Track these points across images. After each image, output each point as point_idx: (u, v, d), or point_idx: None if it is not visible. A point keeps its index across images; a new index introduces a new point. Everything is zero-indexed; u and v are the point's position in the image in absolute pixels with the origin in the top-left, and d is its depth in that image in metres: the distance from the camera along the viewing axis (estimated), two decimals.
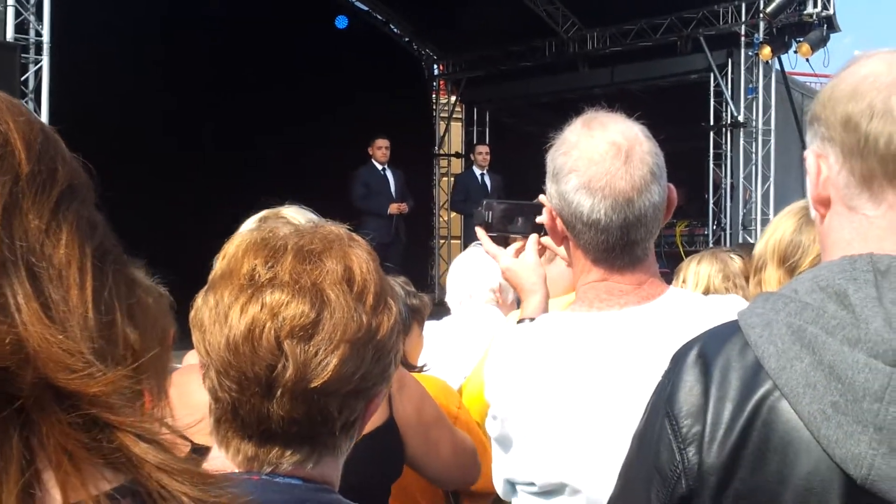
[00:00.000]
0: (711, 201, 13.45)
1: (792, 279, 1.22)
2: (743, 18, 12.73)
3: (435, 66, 17.15)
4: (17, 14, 8.47)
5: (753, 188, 12.94)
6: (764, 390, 1.13)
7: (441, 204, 17.04)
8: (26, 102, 8.34)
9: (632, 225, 1.72)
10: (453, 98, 17.28)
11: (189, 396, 1.88)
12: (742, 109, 12.93)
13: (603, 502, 1.41)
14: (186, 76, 12.29)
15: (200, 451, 1.28)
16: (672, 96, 13.81)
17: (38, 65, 8.59)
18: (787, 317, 1.13)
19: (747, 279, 2.91)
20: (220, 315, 1.24)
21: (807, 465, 1.10)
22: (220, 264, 1.32)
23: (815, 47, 12.10)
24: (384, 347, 1.28)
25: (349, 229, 1.36)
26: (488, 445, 1.96)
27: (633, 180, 1.70)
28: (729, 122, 13.10)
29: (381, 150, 12.11)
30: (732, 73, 13.02)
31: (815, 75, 13.16)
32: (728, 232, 13.10)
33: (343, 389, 1.24)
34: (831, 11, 12.10)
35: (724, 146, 13.24)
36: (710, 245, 12.54)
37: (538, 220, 2.00)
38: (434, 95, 17.38)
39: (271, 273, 1.24)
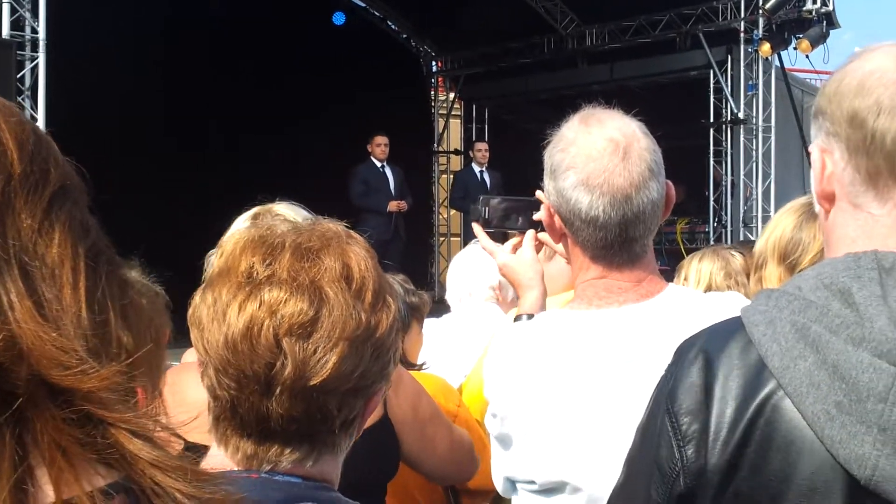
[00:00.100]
0: (712, 198, 13.45)
1: (795, 276, 1.20)
2: (742, 15, 12.71)
3: (433, 63, 17.16)
4: (13, 11, 8.46)
5: (754, 185, 12.93)
6: (767, 389, 1.12)
7: (440, 201, 17.05)
8: (22, 100, 8.34)
9: (630, 222, 1.71)
10: (452, 95, 17.28)
11: (183, 394, 1.88)
12: (742, 106, 12.92)
13: (603, 500, 1.41)
14: (184, 74, 12.28)
15: (194, 450, 1.27)
16: (672, 93, 13.80)
17: (34, 62, 8.58)
18: (791, 314, 1.12)
19: (748, 277, 2.91)
20: (218, 313, 1.24)
21: (810, 465, 1.09)
22: (217, 261, 1.32)
23: (814, 44, 12.09)
24: (383, 345, 1.28)
25: (347, 226, 1.36)
26: (488, 443, 1.96)
27: (631, 177, 1.70)
28: (729, 118, 13.09)
29: (379, 147, 12.11)
30: (732, 69, 13.01)
31: (815, 72, 13.18)
32: (729, 229, 13.10)
33: (342, 387, 1.24)
34: (830, 7, 12.10)
35: (724, 143, 13.23)
36: (711, 242, 12.54)
37: (535, 216, 1.99)
38: (433, 92, 17.40)
39: (269, 270, 1.24)
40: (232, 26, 12.90)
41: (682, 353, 1.24)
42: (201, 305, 1.27)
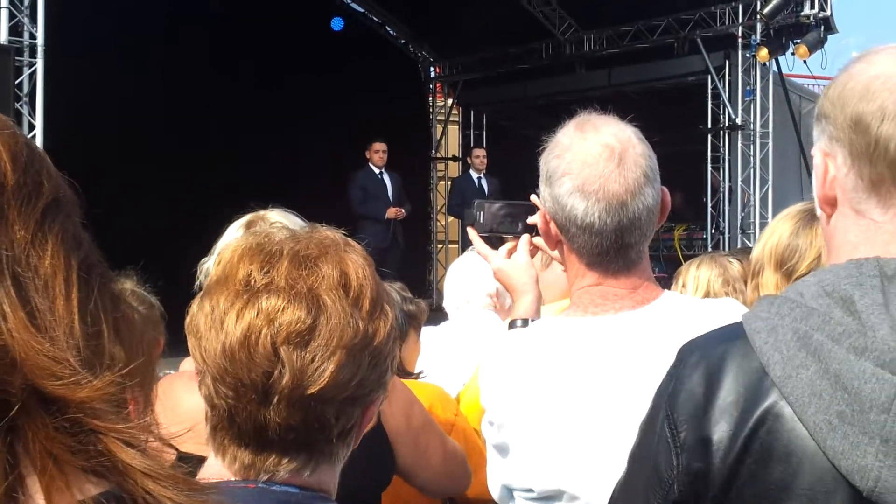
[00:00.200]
0: (710, 205, 13.44)
1: (797, 282, 1.19)
2: (740, 20, 12.74)
3: (431, 69, 17.16)
4: (11, 16, 8.45)
5: (752, 191, 12.93)
6: (769, 400, 1.11)
7: (438, 208, 17.04)
8: (21, 106, 8.33)
9: (626, 228, 1.71)
10: (450, 101, 17.28)
11: (176, 404, 1.87)
12: (740, 112, 12.93)
13: None
14: (182, 79, 12.27)
15: (187, 460, 1.27)
16: (670, 99, 13.82)
17: (33, 68, 8.57)
18: (793, 322, 1.11)
19: (746, 283, 2.91)
20: (215, 321, 1.24)
21: (811, 475, 1.08)
22: (215, 269, 1.31)
23: (812, 49, 12.11)
24: (380, 353, 1.28)
25: (345, 234, 1.36)
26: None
27: (626, 183, 1.70)
28: (727, 124, 13.09)
29: (378, 153, 12.10)
30: (730, 75, 13.02)
31: (813, 77, 13.18)
32: (727, 235, 13.08)
33: (340, 396, 1.23)
34: (828, 13, 12.11)
35: (721, 149, 13.23)
36: (709, 249, 12.54)
37: (530, 220, 1.99)
38: (430, 98, 17.40)
39: (267, 279, 1.24)
40: (232, 26, 12.90)
41: (684, 357, 1.23)
42: (199, 313, 1.27)
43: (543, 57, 15.13)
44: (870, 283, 1.09)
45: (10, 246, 0.74)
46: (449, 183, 16.15)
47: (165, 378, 2.26)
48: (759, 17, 12.28)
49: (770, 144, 12.94)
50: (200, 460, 1.30)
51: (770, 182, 12.89)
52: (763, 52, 12.36)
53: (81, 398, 0.71)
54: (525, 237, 2.09)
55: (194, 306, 1.29)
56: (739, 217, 13.04)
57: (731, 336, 1.19)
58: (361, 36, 15.35)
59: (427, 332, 3.25)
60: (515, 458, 1.77)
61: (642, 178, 1.71)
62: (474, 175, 13.52)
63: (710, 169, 13.43)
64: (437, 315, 3.76)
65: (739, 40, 12.73)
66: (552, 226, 1.79)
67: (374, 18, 16.19)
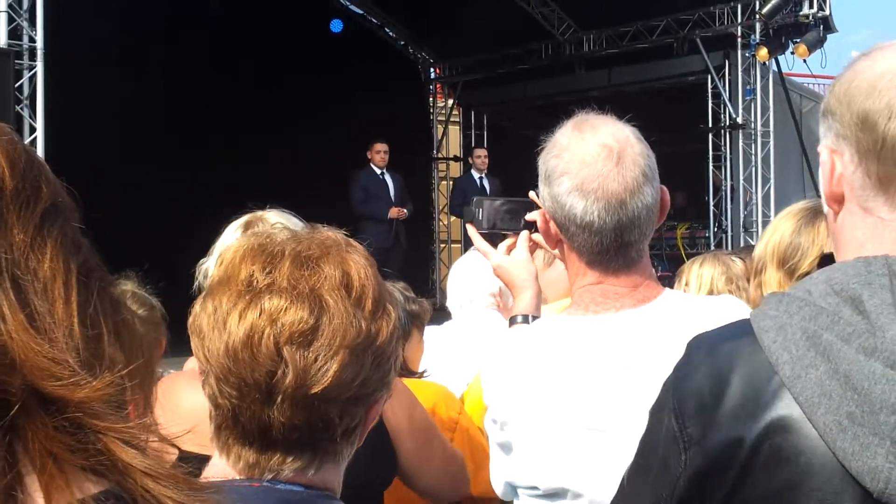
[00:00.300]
0: (712, 203, 13.46)
1: (804, 279, 1.18)
2: (739, 19, 12.75)
3: (431, 70, 17.17)
4: (10, 20, 8.44)
5: (754, 190, 12.94)
6: (777, 399, 1.10)
7: (441, 208, 17.06)
8: (21, 109, 8.33)
9: (625, 227, 1.72)
10: (450, 101, 17.30)
11: (177, 405, 1.87)
12: (740, 111, 12.94)
13: None
14: (182, 80, 12.29)
15: (189, 459, 1.27)
16: (670, 98, 13.82)
17: (33, 71, 8.56)
18: (802, 321, 1.10)
19: (749, 281, 2.91)
20: (218, 321, 1.24)
21: (820, 476, 1.07)
22: (217, 270, 1.32)
23: (811, 48, 12.12)
24: (383, 353, 1.28)
25: (347, 234, 1.36)
26: None
27: (625, 182, 1.70)
28: (727, 123, 13.10)
29: (379, 154, 12.10)
30: (730, 74, 13.03)
31: (813, 76, 13.18)
32: (729, 234, 13.09)
33: (343, 395, 1.24)
34: (827, 12, 12.12)
35: (723, 148, 13.24)
36: (712, 247, 12.54)
37: (528, 217, 2.00)
38: (431, 99, 17.41)
39: (269, 279, 1.24)
40: (231, 30, 12.90)
41: (692, 352, 1.22)
42: (202, 314, 1.27)
43: (543, 57, 15.14)
44: (878, 282, 1.08)
45: (10, 249, 0.75)
46: (451, 183, 16.16)
47: (166, 377, 2.26)
48: (758, 16, 12.28)
49: (771, 143, 12.96)
50: (202, 459, 1.31)
51: (772, 180, 12.91)
52: (762, 52, 12.37)
53: (81, 398, 0.72)
54: (524, 234, 2.09)
55: (197, 306, 1.29)
56: (742, 215, 13.04)
57: (739, 333, 1.18)
58: (361, 37, 15.37)
59: (430, 331, 3.25)
60: (519, 455, 1.78)
61: (641, 176, 1.72)
62: (476, 175, 13.53)
63: (711, 168, 13.45)
64: (441, 315, 3.76)
65: (739, 40, 12.74)
66: (552, 225, 1.80)
67: (374, 20, 16.19)
